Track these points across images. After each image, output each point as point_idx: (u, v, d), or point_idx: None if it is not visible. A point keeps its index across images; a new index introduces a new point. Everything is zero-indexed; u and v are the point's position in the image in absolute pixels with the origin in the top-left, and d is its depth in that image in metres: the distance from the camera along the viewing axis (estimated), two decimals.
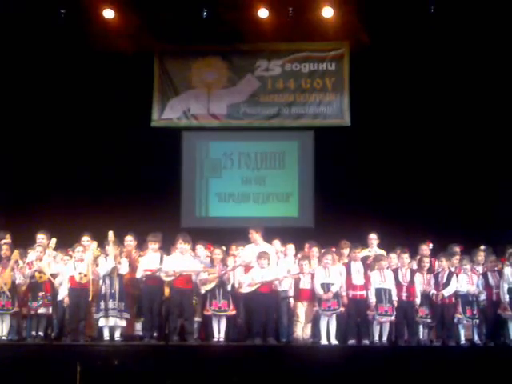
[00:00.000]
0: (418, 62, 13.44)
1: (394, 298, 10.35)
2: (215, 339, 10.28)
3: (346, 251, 10.90)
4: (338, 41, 13.86)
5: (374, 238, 11.35)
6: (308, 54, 14.09)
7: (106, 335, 10.18)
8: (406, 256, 10.69)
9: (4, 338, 10.16)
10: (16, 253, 10.36)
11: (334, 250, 10.94)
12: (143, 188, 13.55)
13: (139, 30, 13.08)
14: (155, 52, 14.08)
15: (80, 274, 10.27)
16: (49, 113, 13.79)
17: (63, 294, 10.39)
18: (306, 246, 11.26)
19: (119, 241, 10.59)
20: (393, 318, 10.33)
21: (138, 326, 10.60)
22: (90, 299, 10.27)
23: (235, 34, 13.44)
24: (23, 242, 10.96)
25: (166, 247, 10.84)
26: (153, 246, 10.54)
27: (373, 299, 10.34)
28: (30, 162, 13.74)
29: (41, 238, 10.75)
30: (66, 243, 11.01)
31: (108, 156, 13.76)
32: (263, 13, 13.02)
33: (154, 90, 14.14)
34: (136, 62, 13.57)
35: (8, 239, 10.90)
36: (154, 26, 13.15)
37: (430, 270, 10.80)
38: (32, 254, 10.53)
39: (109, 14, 12.97)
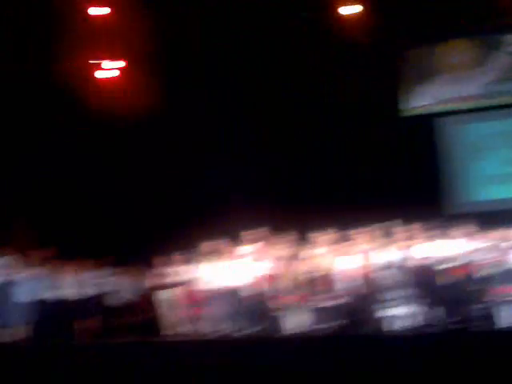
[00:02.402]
0: None
1: None
2: None
3: None
4: None
5: None
6: None
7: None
8: None
9: None
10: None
11: None
12: (400, 177, 13.50)
13: (382, 23, 13.14)
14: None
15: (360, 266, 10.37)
16: None
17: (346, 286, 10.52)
18: None
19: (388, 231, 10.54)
20: None
21: None
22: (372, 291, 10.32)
23: (479, 12, 13.08)
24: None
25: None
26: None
27: None
28: None
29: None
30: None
31: (363, 150, 13.92)
32: None
33: (399, 80, 14.08)
34: (379, 53, 13.59)
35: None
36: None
37: None
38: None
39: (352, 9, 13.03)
